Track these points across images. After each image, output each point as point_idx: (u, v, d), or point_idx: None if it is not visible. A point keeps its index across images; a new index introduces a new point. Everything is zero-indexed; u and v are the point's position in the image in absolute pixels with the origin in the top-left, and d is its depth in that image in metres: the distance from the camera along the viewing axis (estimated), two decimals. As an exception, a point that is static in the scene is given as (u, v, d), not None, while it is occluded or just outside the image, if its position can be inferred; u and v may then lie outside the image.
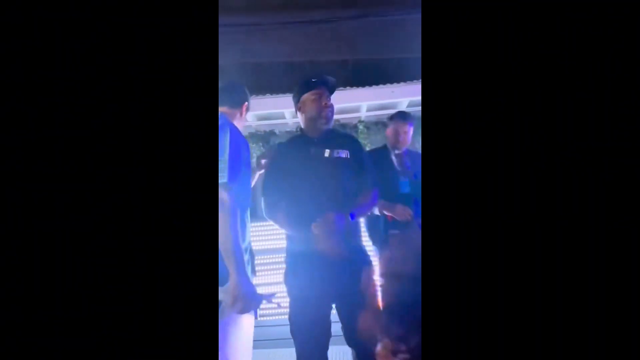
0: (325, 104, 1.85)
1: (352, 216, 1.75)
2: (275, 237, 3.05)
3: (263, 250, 3.00)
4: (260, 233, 3.13)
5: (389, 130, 2.36)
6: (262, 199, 1.82)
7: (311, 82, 1.87)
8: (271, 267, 2.95)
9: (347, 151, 1.84)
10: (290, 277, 1.82)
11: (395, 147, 2.32)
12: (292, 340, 1.77)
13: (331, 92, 1.90)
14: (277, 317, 2.89)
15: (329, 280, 1.70)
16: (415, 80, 3.74)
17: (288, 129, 4.36)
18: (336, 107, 1.97)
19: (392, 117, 2.45)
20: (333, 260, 1.68)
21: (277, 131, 4.42)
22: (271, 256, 2.98)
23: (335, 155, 1.81)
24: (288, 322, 1.77)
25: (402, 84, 3.72)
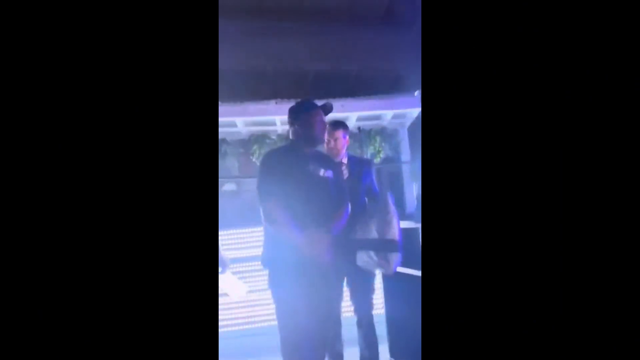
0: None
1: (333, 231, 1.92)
2: (249, 245, 3.00)
3: (239, 259, 2.96)
4: (237, 241, 3.07)
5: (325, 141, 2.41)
6: (260, 206, 1.90)
7: (313, 104, 2.00)
8: (246, 274, 2.91)
9: (332, 171, 2.00)
10: (276, 283, 1.85)
11: (333, 156, 2.33)
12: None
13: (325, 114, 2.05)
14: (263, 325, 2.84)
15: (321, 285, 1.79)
16: (366, 96, 3.80)
17: (279, 133, 4.35)
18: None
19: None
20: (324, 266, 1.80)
21: (272, 136, 4.41)
22: (247, 264, 2.94)
23: (326, 175, 1.97)
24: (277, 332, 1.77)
25: (349, 99, 3.76)
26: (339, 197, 1.99)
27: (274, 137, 4.46)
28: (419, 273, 2.01)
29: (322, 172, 1.93)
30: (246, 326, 2.99)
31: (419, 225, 2.03)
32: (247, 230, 3.08)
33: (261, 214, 1.87)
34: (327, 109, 2.04)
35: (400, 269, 2.23)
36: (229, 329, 2.90)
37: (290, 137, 2.02)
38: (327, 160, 2.05)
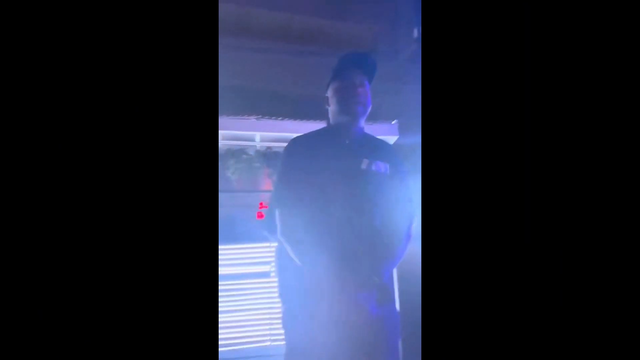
0: (355, 89, 1.37)
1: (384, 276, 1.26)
2: (224, 263, 2.91)
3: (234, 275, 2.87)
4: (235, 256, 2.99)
5: None
6: (277, 213, 1.32)
7: (343, 68, 1.40)
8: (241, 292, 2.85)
9: (387, 165, 1.34)
10: (289, 320, 1.32)
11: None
12: None
13: (370, 80, 1.45)
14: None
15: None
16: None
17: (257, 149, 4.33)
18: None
19: None
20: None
21: (250, 152, 4.37)
22: (241, 281, 2.87)
23: (374, 168, 1.31)
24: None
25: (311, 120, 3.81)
26: (402, 207, 1.30)
27: (251, 152, 4.42)
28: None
29: (364, 163, 1.28)
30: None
31: None
32: (221, 247, 3.01)
33: (278, 230, 1.30)
34: (365, 65, 1.40)
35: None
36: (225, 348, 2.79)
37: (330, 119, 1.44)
38: (378, 150, 1.38)
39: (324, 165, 1.30)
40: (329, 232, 1.22)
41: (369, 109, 1.44)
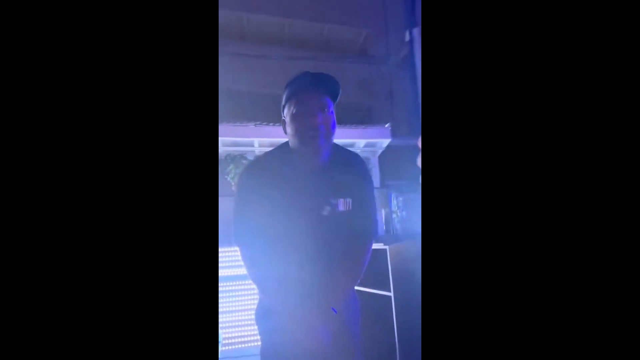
0: (316, 119, 1.21)
1: (336, 311, 1.27)
2: (224, 265, 2.99)
3: (233, 277, 2.94)
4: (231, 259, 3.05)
5: None
6: (240, 252, 1.35)
7: (301, 80, 1.24)
8: (242, 293, 2.90)
9: (350, 201, 1.30)
10: (262, 317, 1.37)
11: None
12: None
13: (333, 99, 1.29)
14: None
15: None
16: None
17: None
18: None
19: None
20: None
21: (249, 157, 4.44)
22: (241, 282, 2.92)
23: (338, 208, 1.29)
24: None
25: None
26: (362, 235, 1.32)
27: (250, 157, 4.48)
28: (389, 294, 2.05)
29: (326, 211, 1.26)
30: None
31: (387, 247, 2.07)
32: (221, 249, 3.08)
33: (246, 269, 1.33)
34: (326, 85, 1.24)
35: (371, 290, 2.26)
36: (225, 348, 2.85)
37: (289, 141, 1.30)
38: (346, 174, 1.31)
39: (284, 196, 1.26)
40: (291, 265, 1.28)
41: (334, 134, 1.28)
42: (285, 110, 1.28)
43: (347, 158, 1.37)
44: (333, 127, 1.26)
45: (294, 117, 1.23)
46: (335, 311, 1.24)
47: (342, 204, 1.28)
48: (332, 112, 1.26)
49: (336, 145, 1.35)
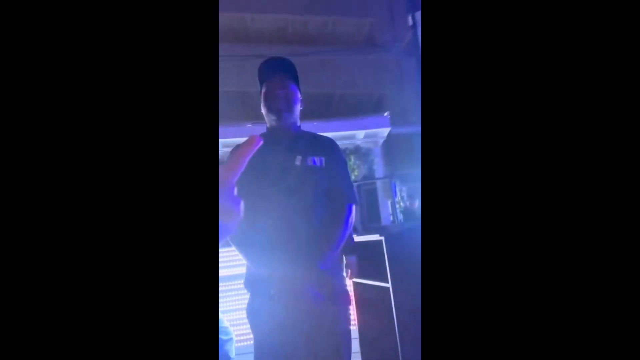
0: (275, 90, 1.48)
1: (323, 265, 1.36)
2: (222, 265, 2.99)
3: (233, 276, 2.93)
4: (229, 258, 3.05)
5: None
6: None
7: (263, 68, 1.52)
8: (240, 293, 2.90)
9: (323, 158, 1.45)
10: (252, 312, 1.48)
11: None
12: None
13: (292, 78, 1.54)
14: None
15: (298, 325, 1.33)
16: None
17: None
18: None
19: None
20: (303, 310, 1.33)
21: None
22: (241, 282, 2.91)
23: (309, 163, 1.42)
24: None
25: (322, 119, 3.84)
26: (337, 195, 1.43)
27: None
28: (387, 285, 2.05)
29: (298, 160, 1.39)
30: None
31: (382, 238, 2.06)
32: (221, 249, 3.08)
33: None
34: (282, 67, 1.51)
35: (369, 282, 2.26)
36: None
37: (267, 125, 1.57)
38: (315, 145, 1.49)
39: (262, 169, 1.39)
40: (270, 232, 1.37)
41: (296, 108, 1.53)
42: (262, 97, 1.53)
43: (320, 139, 1.56)
44: (295, 99, 1.51)
45: (264, 95, 1.51)
46: (323, 268, 1.32)
47: (316, 160, 1.43)
48: (293, 87, 1.52)
49: (312, 132, 1.57)
